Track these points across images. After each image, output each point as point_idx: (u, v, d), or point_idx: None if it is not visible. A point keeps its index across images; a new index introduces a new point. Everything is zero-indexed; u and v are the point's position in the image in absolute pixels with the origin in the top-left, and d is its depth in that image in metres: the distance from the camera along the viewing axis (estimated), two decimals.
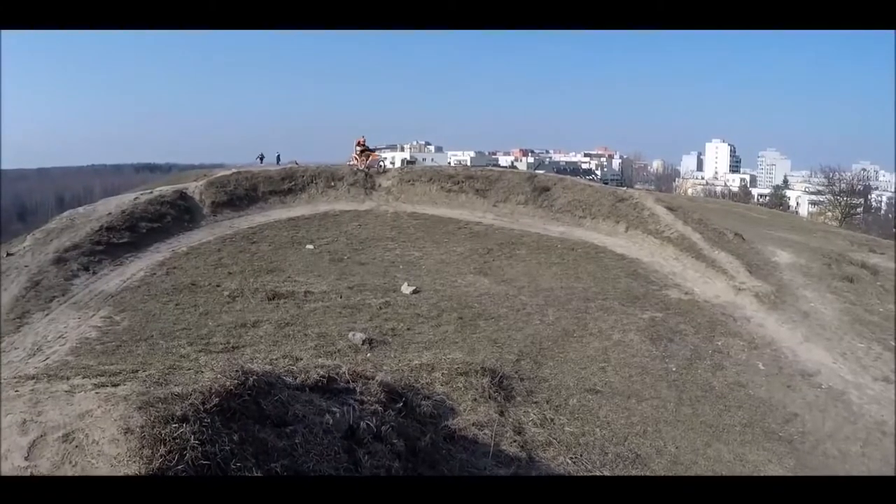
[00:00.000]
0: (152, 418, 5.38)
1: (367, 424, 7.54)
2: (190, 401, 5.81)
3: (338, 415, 7.40)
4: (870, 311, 18.96)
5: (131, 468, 4.89)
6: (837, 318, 18.00)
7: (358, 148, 36.61)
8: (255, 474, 5.59)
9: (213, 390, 6.14)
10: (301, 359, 11.83)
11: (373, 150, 38.19)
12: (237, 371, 6.75)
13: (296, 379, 8.28)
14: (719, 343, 15.93)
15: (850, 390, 14.40)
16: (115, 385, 6.58)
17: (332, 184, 32.81)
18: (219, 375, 6.57)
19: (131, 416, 5.40)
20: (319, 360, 10.94)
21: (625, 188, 39.34)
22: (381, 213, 30.32)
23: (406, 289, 18.59)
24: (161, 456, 5.01)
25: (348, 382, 8.77)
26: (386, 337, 14.71)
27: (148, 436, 5.17)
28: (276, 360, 11.81)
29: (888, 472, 11.63)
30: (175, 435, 5.25)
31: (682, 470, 10.60)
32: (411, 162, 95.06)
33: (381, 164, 38.95)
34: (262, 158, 46.36)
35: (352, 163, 35.92)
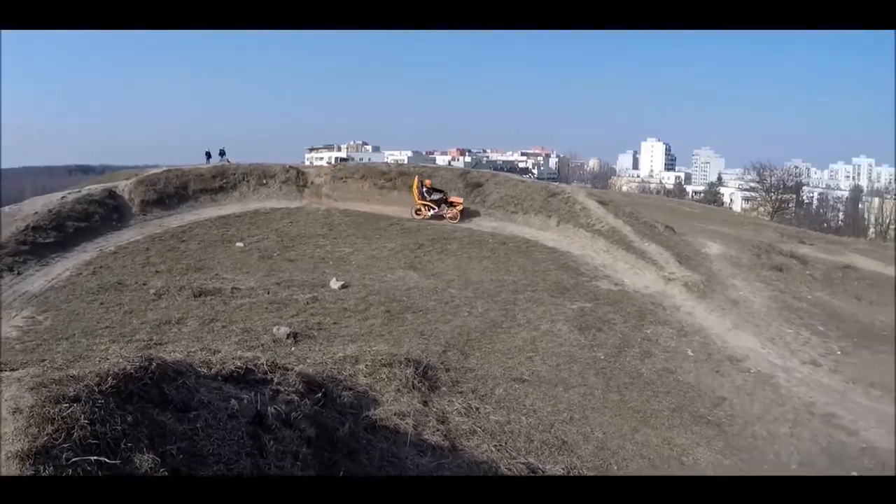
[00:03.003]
0: (42, 398, 5.26)
1: (276, 410, 7.45)
2: (85, 382, 5.69)
3: (245, 401, 7.30)
4: (798, 299, 19.50)
5: (16, 447, 4.76)
6: (766, 306, 18.46)
7: (430, 195, 30.43)
8: (150, 455, 5.48)
9: (111, 373, 6.01)
10: (220, 351, 11.69)
11: (444, 193, 30.77)
12: (140, 357, 6.63)
13: (211, 369, 8.17)
14: (648, 331, 16.21)
15: (779, 374, 14.83)
16: (13, 370, 6.44)
17: (264, 181, 32.45)
18: (119, 360, 6.43)
19: (22, 397, 5.28)
20: (239, 352, 10.82)
21: (557, 184, 39.71)
22: (313, 210, 30.18)
23: (334, 284, 18.49)
24: (47, 434, 4.88)
25: (266, 373, 8.68)
26: (311, 331, 14.61)
27: (36, 415, 5.04)
28: (195, 352, 11.64)
29: (816, 451, 11.99)
30: (64, 414, 5.13)
31: (609, 455, 10.76)
32: (344, 159, 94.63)
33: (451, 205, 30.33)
34: (209, 156, 44.80)
35: (421, 211, 30.19)
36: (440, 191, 30.80)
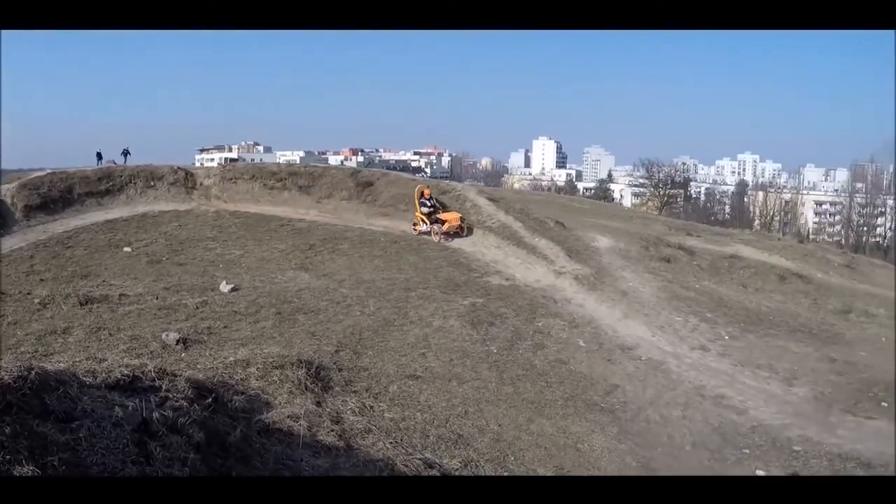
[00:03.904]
0: None
1: (163, 416, 7.34)
2: None
3: (130, 408, 7.17)
4: (686, 288, 20.25)
5: None
6: (655, 296, 19.10)
7: (423, 207, 27.41)
8: (30, 467, 5.37)
9: None
10: (106, 360, 11.41)
11: (443, 209, 27.75)
12: (19, 366, 6.45)
13: (96, 378, 7.98)
14: (540, 324, 16.53)
15: (669, 360, 15.37)
16: None
17: (152, 184, 31.59)
18: None
19: None
20: (126, 360, 10.59)
21: (448, 182, 40.02)
22: (202, 212, 29.58)
23: (224, 287, 18.22)
24: None
25: (154, 380, 8.51)
26: (202, 336, 14.35)
27: None
28: (80, 361, 11.34)
29: (707, 431, 12.48)
30: None
31: (505, 446, 10.88)
32: (234, 160, 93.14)
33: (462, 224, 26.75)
34: (100, 157, 42.89)
35: (418, 225, 27.43)
36: (435, 204, 27.69)
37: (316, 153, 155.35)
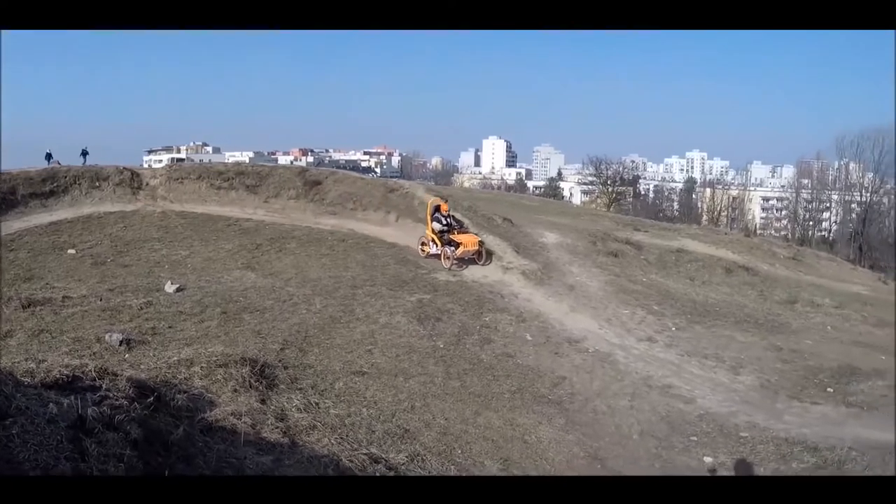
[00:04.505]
0: None
1: (99, 413, 7.27)
2: None
3: (65, 405, 7.10)
4: (633, 282, 20.53)
5: None
6: (602, 290, 19.33)
7: (436, 223, 23.45)
8: None
9: None
10: (46, 361, 11.25)
11: (460, 228, 23.88)
12: None
13: (34, 378, 7.88)
14: (487, 319, 16.63)
15: (616, 352, 15.57)
16: None
17: (97, 184, 31.19)
18: None
19: None
20: (66, 360, 10.46)
21: (395, 180, 40.04)
22: (148, 213, 29.39)
23: (169, 287, 18.06)
24: None
25: (94, 380, 8.43)
26: (146, 336, 14.19)
27: None
28: (19, 363, 11.17)
29: (655, 420, 12.66)
30: None
31: (452, 440, 10.93)
32: (181, 159, 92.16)
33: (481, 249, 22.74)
34: (49, 157, 41.84)
35: (426, 246, 23.72)
36: (452, 222, 23.72)
37: (266, 154, 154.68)
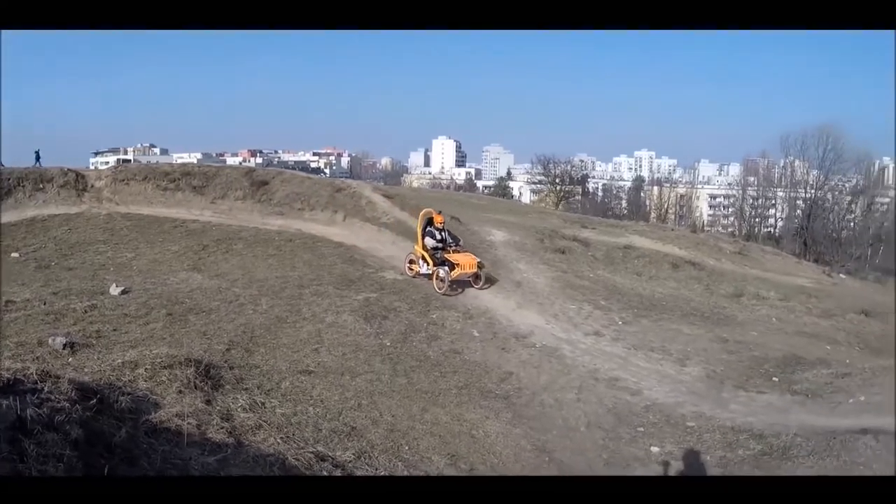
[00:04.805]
0: None
1: (39, 415, 7.17)
2: None
3: (3, 406, 7.00)
4: (580, 277, 20.75)
5: None
6: (549, 286, 19.50)
7: (430, 238, 20.57)
8: None
9: None
10: None
11: (455, 245, 20.82)
12: None
13: None
14: (434, 316, 16.68)
15: (563, 346, 15.75)
16: None
17: (41, 186, 30.62)
18: None
19: None
20: (7, 364, 10.29)
21: (342, 179, 39.98)
22: (94, 215, 28.96)
23: (114, 290, 17.80)
24: None
25: (36, 383, 8.31)
26: (90, 340, 13.96)
27: None
28: None
29: (602, 411, 12.85)
30: None
31: (399, 436, 10.94)
32: (127, 161, 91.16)
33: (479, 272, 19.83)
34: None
35: (415, 264, 20.92)
36: (447, 238, 20.86)
37: (214, 155, 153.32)
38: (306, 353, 13.94)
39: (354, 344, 14.58)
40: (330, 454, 9.84)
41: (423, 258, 20.25)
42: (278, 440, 9.97)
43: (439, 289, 19.18)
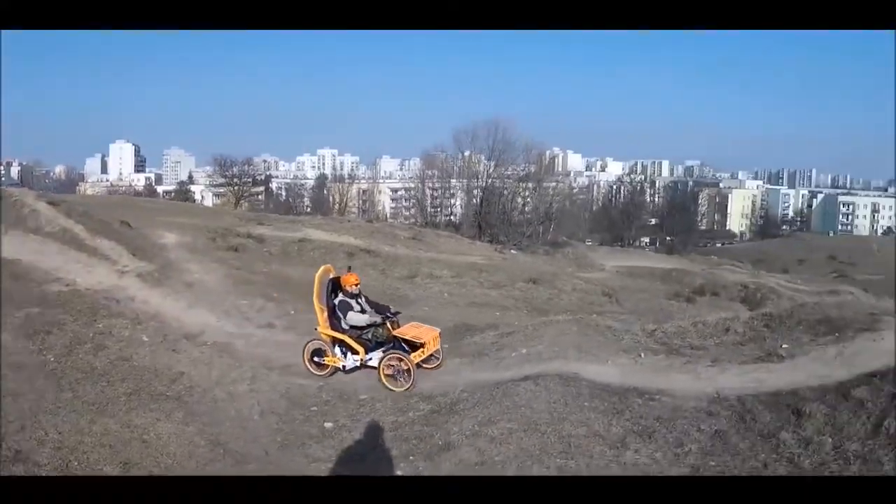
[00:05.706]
0: None
1: None
2: None
3: None
4: (253, 273, 21.29)
5: None
6: (221, 283, 19.75)
7: (348, 311, 14.46)
8: None
9: None
10: None
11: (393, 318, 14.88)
12: None
13: None
14: (101, 325, 16.17)
15: (235, 341, 16.17)
16: None
17: None
18: None
19: None
20: None
21: (5, 188, 37.52)
22: None
23: None
24: None
25: None
26: None
27: None
28: None
29: (275, 398, 13.43)
30: None
31: (67, 453, 10.64)
32: None
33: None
34: None
35: (328, 356, 14.65)
36: (371, 307, 15.11)
37: None
38: None
39: (15, 364, 13.84)
40: None
41: (343, 344, 14.46)
42: None
43: (400, 387, 13.57)
